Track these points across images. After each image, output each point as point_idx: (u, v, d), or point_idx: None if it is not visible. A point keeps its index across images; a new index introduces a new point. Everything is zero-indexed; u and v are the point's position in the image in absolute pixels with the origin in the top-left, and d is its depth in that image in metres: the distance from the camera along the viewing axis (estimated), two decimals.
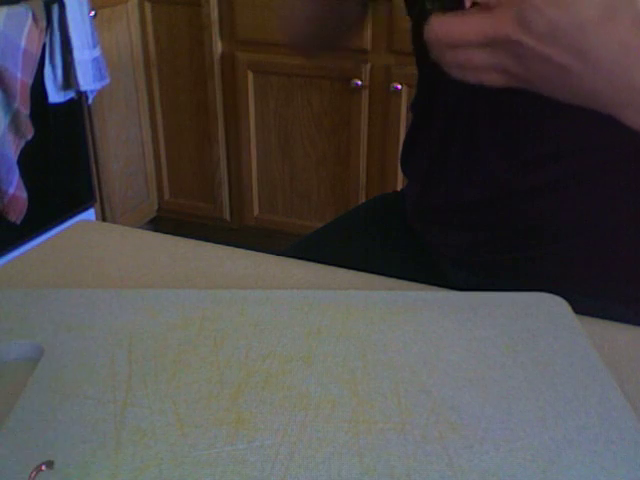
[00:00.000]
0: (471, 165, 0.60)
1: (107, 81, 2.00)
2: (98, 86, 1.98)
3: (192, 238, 0.63)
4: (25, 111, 1.76)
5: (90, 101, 2.03)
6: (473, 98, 0.59)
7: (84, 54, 1.89)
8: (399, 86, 1.97)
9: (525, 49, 0.39)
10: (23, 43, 1.73)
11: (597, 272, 0.58)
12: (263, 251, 0.60)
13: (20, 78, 1.73)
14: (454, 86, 0.48)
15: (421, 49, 0.66)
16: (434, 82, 0.64)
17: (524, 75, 0.41)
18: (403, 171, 0.73)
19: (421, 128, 0.67)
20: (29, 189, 1.83)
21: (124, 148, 2.31)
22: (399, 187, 2.02)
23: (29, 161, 1.84)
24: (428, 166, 0.65)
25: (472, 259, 0.64)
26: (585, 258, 0.58)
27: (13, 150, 1.77)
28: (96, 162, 2.19)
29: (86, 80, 1.91)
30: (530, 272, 0.61)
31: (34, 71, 1.79)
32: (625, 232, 0.56)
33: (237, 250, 0.60)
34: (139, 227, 2.38)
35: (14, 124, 1.76)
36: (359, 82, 1.96)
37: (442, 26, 0.42)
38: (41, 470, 0.35)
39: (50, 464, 0.35)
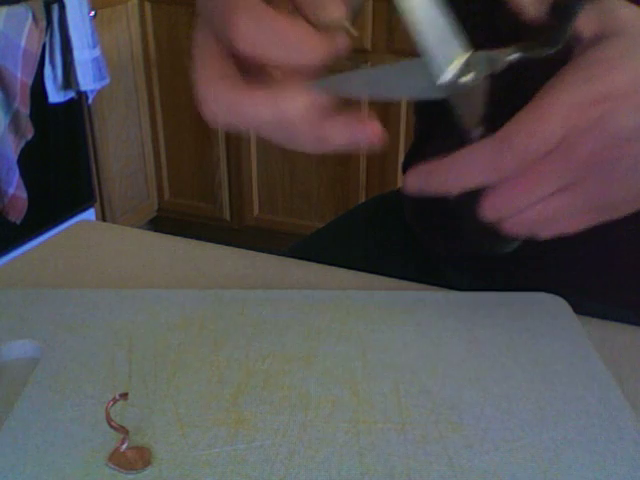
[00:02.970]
0: None
1: (107, 81, 2.00)
2: (98, 86, 1.98)
3: (192, 238, 0.63)
4: (25, 111, 1.76)
5: (90, 101, 2.03)
6: (491, 112, 0.56)
7: (84, 54, 1.89)
8: None
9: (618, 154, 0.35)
10: (23, 43, 1.73)
11: (599, 280, 0.58)
12: (263, 251, 0.60)
13: (20, 78, 1.74)
14: None
15: None
16: None
17: (619, 197, 0.37)
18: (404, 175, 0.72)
19: (429, 137, 0.66)
20: (29, 189, 1.83)
21: (124, 148, 2.31)
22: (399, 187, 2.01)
23: (29, 161, 1.84)
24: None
25: (472, 264, 0.64)
26: (587, 266, 0.58)
27: (13, 150, 1.77)
28: (96, 162, 2.19)
29: (86, 80, 1.92)
30: (531, 278, 0.61)
31: (34, 71, 1.79)
32: (628, 242, 0.56)
33: (237, 250, 0.60)
34: (139, 227, 2.38)
35: (14, 124, 1.76)
36: None
37: (502, 197, 0.36)
38: (116, 400, 0.36)
39: (124, 395, 0.36)
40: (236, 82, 0.36)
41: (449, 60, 0.35)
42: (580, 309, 0.50)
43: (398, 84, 0.36)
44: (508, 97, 0.39)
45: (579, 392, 0.40)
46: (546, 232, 0.39)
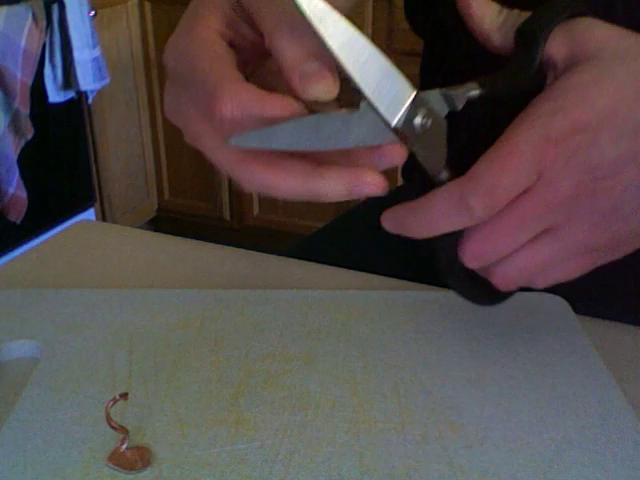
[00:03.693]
0: None
1: (107, 81, 2.00)
2: (98, 86, 1.98)
3: (192, 238, 0.63)
4: (25, 111, 1.76)
5: (90, 101, 2.03)
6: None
7: (84, 54, 1.89)
8: None
9: (597, 180, 0.33)
10: (23, 43, 1.73)
11: (599, 282, 0.58)
12: (263, 251, 0.60)
13: (20, 78, 1.74)
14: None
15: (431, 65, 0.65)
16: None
17: (611, 237, 0.35)
18: (404, 179, 0.72)
19: None
20: (29, 189, 1.83)
21: (124, 148, 2.31)
22: None
23: (29, 161, 1.84)
24: (433, 186, 0.64)
25: None
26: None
27: (13, 150, 1.77)
28: (96, 162, 2.19)
29: (86, 80, 1.92)
30: None
31: (34, 71, 1.79)
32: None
33: (237, 250, 0.60)
34: (139, 227, 2.38)
35: (14, 124, 1.76)
36: None
37: (481, 242, 0.34)
38: (116, 400, 0.36)
39: (124, 395, 0.36)
40: (268, 160, 0.33)
41: (398, 100, 0.32)
42: (580, 309, 0.50)
43: (343, 132, 0.32)
44: (478, 135, 0.37)
45: (579, 392, 0.40)
46: (539, 282, 0.37)
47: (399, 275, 0.56)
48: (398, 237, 0.72)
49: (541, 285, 0.37)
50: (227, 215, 2.43)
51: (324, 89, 0.32)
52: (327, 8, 0.30)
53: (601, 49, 0.35)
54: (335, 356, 0.44)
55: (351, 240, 0.72)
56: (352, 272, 0.56)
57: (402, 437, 0.37)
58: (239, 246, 0.62)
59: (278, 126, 0.31)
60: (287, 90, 0.33)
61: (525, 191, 0.33)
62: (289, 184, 0.33)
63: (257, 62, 0.37)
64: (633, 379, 0.43)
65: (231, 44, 0.35)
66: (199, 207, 2.46)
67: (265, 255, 0.59)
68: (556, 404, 0.39)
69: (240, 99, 0.31)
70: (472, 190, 0.33)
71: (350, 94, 0.32)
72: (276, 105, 0.31)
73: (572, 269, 0.36)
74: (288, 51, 0.32)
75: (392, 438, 0.37)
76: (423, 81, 0.68)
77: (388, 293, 0.51)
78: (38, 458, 0.35)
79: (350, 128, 0.32)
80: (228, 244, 0.63)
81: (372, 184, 0.33)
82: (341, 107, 0.32)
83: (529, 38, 0.36)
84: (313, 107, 0.32)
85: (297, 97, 0.32)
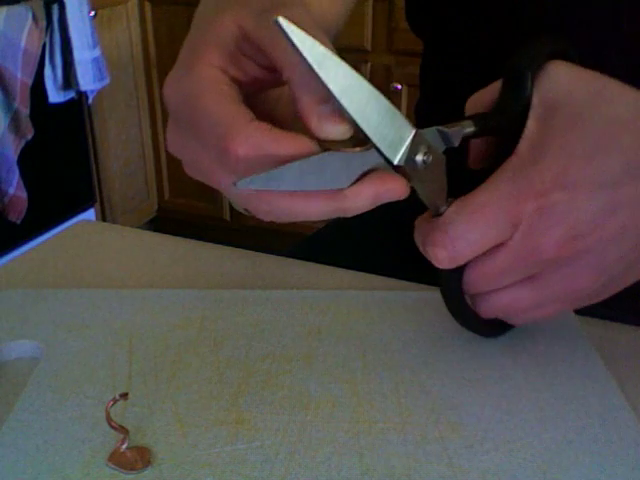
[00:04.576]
0: None
1: (107, 81, 2.00)
2: (98, 86, 1.98)
3: (192, 238, 0.63)
4: (25, 111, 1.76)
5: (90, 101, 2.03)
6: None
7: (84, 54, 1.89)
8: (399, 86, 1.97)
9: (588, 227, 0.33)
10: (23, 43, 1.73)
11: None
12: (263, 251, 0.60)
13: (20, 78, 1.74)
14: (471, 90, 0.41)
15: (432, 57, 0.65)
16: (446, 88, 0.61)
17: (592, 287, 0.36)
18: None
19: None
20: (29, 189, 1.83)
21: (124, 148, 2.31)
22: None
23: (29, 161, 1.84)
24: None
25: None
26: None
27: (13, 150, 1.77)
28: (96, 162, 2.19)
29: (86, 80, 1.92)
30: None
31: (34, 71, 1.79)
32: None
33: (237, 250, 0.60)
34: (139, 227, 2.38)
35: (14, 124, 1.76)
36: None
37: (476, 272, 0.36)
38: (116, 400, 0.36)
39: (124, 395, 0.36)
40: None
41: (399, 139, 0.33)
42: (580, 309, 0.50)
43: (347, 170, 0.32)
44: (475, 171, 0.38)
45: (579, 392, 0.40)
46: (516, 321, 0.40)
47: (399, 275, 0.56)
48: (398, 237, 0.72)
49: (518, 323, 0.40)
50: (227, 215, 2.43)
51: (340, 130, 0.32)
52: (327, 52, 0.30)
53: (569, 95, 0.35)
54: (335, 356, 0.44)
55: (351, 240, 0.72)
56: (352, 272, 0.56)
57: (402, 437, 0.37)
58: (239, 246, 0.62)
59: (283, 168, 0.31)
60: (287, 118, 0.34)
61: (503, 243, 0.35)
62: (314, 209, 0.33)
63: (258, 94, 0.37)
64: (633, 379, 0.43)
65: (233, 80, 0.35)
66: (199, 207, 2.46)
67: (265, 255, 0.59)
68: (556, 404, 0.39)
69: (255, 139, 0.31)
70: (432, 240, 0.35)
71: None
72: (290, 144, 0.31)
73: (550, 312, 0.38)
74: (306, 91, 0.31)
75: (392, 438, 0.37)
76: (423, 81, 0.68)
77: (388, 293, 0.51)
78: (38, 458, 0.35)
79: (353, 167, 0.33)
80: (228, 244, 0.63)
81: (397, 189, 0.34)
82: (354, 145, 0.32)
83: (516, 77, 0.37)
84: (326, 145, 0.32)
85: (307, 132, 0.32)
